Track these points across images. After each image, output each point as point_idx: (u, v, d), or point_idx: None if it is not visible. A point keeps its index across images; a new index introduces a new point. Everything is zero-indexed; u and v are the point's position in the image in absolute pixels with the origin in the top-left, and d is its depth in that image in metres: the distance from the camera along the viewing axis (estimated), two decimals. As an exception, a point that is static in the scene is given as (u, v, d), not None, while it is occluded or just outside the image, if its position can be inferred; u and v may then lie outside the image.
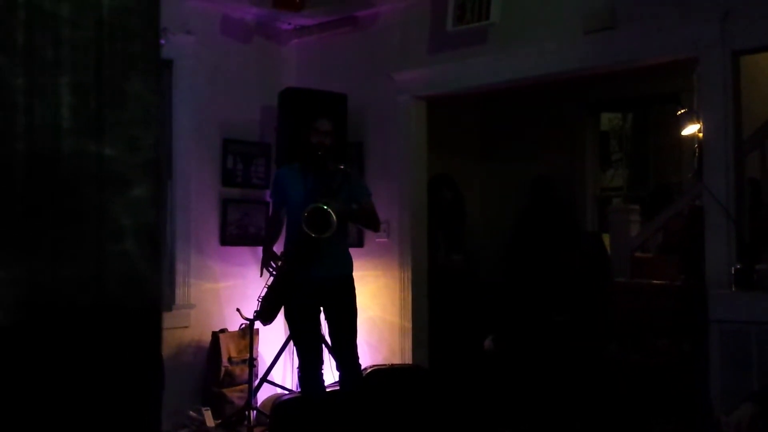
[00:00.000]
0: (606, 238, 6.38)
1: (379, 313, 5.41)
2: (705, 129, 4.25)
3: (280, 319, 4.44)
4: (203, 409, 5.14)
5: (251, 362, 5.06)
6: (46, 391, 0.95)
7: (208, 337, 5.36)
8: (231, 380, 5.27)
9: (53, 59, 0.97)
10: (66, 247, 0.97)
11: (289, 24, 5.81)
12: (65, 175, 0.97)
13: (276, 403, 4.81)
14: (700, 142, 4.66)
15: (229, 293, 5.48)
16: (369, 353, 5.29)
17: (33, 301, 0.93)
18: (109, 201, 1.00)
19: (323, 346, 4.42)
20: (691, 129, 5.29)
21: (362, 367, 4.48)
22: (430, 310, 5.44)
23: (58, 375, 0.96)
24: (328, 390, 4.43)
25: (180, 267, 5.26)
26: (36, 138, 0.95)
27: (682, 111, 5.43)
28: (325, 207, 3.99)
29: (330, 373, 4.45)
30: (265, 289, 4.33)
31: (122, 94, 1.01)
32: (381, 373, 5.00)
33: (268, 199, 5.33)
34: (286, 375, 5.64)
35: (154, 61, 1.05)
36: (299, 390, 4.63)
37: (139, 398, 1.02)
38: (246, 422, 5.02)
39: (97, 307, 0.98)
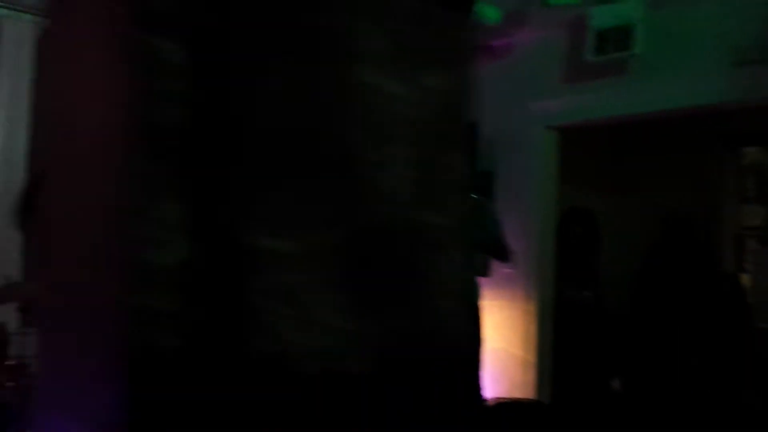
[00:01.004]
0: (744, 279, 6.08)
1: (502, 344, 5.31)
2: None
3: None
4: None
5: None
6: None
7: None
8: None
9: (396, 135, 1.04)
10: (408, 304, 1.05)
11: (424, 52, 5.84)
12: (405, 240, 1.05)
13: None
14: None
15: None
16: (490, 385, 5.20)
17: (383, 353, 1.01)
18: (438, 263, 1.08)
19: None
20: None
21: (485, 399, 4.41)
22: (556, 345, 5.31)
23: (401, 422, 1.03)
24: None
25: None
26: (381, 207, 1.03)
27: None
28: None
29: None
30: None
31: (446, 167, 1.09)
32: (503, 406, 4.91)
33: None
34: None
35: (471, 138, 1.13)
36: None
37: None
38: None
39: (432, 358, 1.06)
